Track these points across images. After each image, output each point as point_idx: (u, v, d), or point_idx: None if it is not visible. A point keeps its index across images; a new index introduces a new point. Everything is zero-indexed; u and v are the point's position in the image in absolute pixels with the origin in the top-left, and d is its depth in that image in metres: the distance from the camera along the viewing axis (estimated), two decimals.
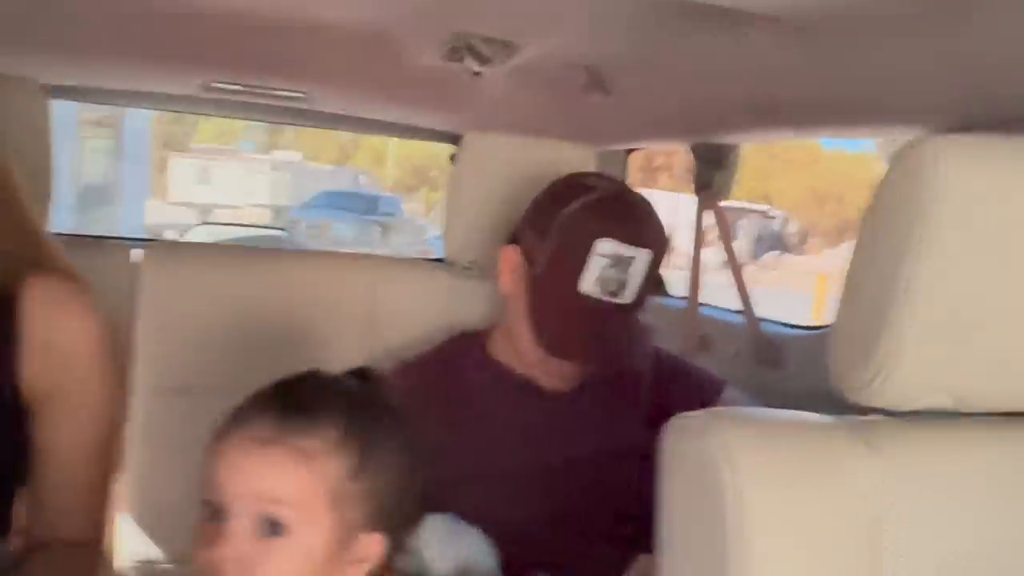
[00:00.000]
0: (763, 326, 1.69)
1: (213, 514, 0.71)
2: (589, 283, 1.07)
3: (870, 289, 0.64)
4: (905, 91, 1.09)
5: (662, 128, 1.73)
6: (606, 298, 1.08)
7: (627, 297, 1.09)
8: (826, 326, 1.63)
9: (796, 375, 1.61)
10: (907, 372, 0.62)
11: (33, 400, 0.85)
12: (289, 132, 32.92)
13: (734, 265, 1.67)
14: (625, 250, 1.07)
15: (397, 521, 0.76)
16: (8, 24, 0.92)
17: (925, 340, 0.62)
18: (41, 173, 1.25)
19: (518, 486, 1.13)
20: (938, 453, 0.65)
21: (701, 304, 1.75)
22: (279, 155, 27.37)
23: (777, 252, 23.11)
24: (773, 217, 26.36)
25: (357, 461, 0.72)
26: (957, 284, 0.61)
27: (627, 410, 1.19)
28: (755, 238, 21.89)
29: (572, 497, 1.14)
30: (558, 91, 1.75)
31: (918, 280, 0.61)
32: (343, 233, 12.56)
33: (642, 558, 1.07)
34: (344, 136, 35.01)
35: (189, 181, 22.80)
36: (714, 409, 0.64)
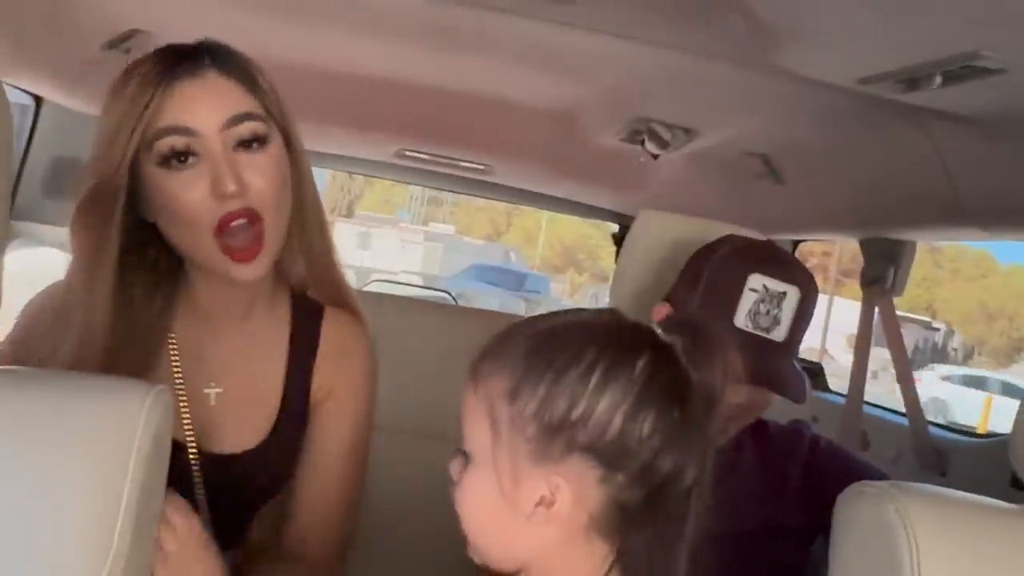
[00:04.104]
0: (928, 430, 1.63)
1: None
2: (742, 317, 1.11)
3: None
4: None
5: (833, 220, 1.73)
6: (759, 333, 1.11)
7: (780, 335, 1.12)
8: (996, 435, 1.56)
9: (959, 483, 1.54)
10: None
11: (313, 406, 1.00)
12: (445, 206, 34.34)
13: (903, 364, 1.63)
14: (775, 285, 1.11)
15: None
16: None
17: None
18: None
19: None
20: None
21: (864, 402, 1.71)
22: (435, 227, 28.48)
23: (936, 365, 21.75)
24: (936, 329, 24.91)
25: None
26: None
27: (778, 482, 1.18)
28: (914, 349, 20.71)
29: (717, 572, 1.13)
30: (730, 177, 1.80)
31: None
32: (490, 305, 12.89)
33: None
34: (497, 213, 36.14)
35: (351, 245, 24.06)
36: (892, 481, 0.65)
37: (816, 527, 1.17)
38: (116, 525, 0.58)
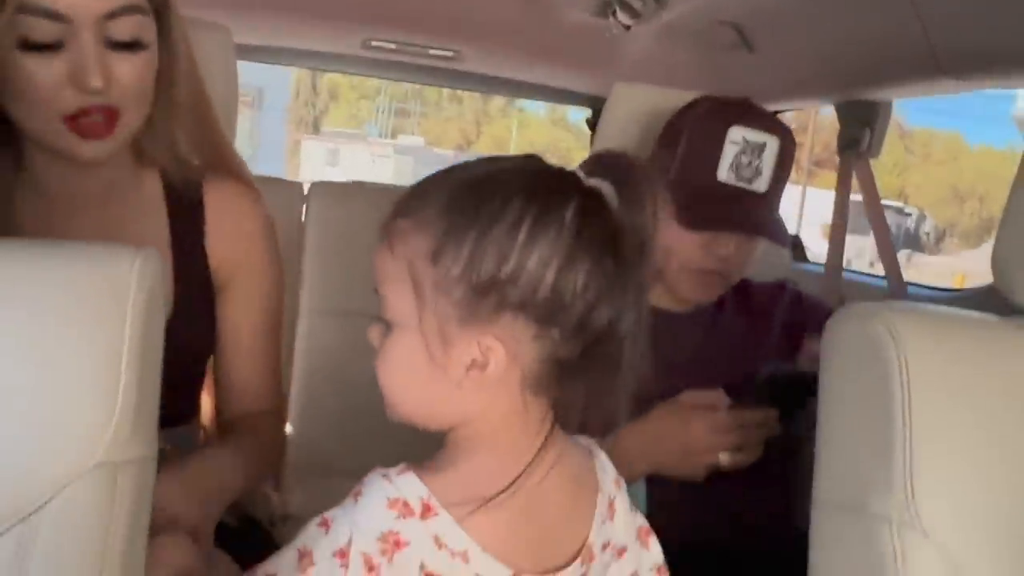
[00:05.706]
0: (908, 290, 1.66)
1: None
2: (724, 170, 1.13)
3: None
4: None
5: (808, 85, 1.72)
6: (742, 184, 1.13)
7: (762, 185, 1.14)
8: (973, 288, 1.60)
9: None
10: None
11: (220, 282, 0.98)
12: (413, 117, 33.76)
13: (880, 226, 1.65)
14: (755, 136, 1.13)
15: None
16: None
17: None
18: (225, 120, 1.31)
19: None
20: None
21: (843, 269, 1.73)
22: (404, 139, 28.07)
23: (909, 251, 22.09)
24: (908, 214, 25.19)
25: None
26: None
27: (760, 331, 1.21)
28: None
29: None
30: (703, 49, 1.77)
31: None
32: None
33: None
34: (466, 123, 35.62)
35: (319, 162, 23.69)
36: (880, 302, 0.67)
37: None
38: (119, 385, 0.59)
